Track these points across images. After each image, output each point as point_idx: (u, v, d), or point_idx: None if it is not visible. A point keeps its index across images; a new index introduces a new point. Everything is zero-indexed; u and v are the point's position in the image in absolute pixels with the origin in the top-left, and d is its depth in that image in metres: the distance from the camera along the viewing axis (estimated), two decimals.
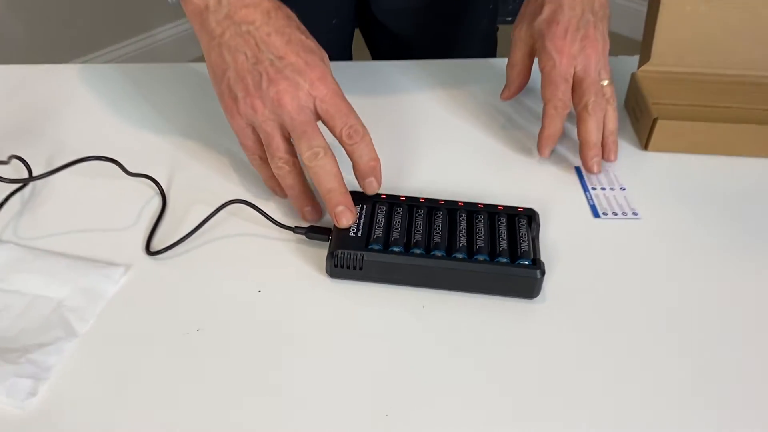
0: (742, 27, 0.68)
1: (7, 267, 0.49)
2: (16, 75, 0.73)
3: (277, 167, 0.52)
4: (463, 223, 0.52)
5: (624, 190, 0.60)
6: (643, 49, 0.70)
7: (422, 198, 0.54)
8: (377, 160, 0.53)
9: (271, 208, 0.56)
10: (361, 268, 0.49)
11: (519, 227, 0.51)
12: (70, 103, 0.69)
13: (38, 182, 0.57)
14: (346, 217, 0.50)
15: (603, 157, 0.62)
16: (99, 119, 0.66)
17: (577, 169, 0.62)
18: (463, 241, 0.50)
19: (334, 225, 0.51)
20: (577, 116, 0.61)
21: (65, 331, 0.45)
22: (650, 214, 0.58)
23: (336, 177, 0.50)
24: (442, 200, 0.54)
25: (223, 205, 0.53)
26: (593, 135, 0.60)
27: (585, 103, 0.60)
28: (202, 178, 0.59)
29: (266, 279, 0.50)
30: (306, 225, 0.53)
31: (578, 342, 0.47)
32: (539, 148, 0.62)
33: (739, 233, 0.56)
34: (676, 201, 0.59)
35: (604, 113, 0.61)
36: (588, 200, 0.59)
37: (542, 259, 0.50)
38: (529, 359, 0.46)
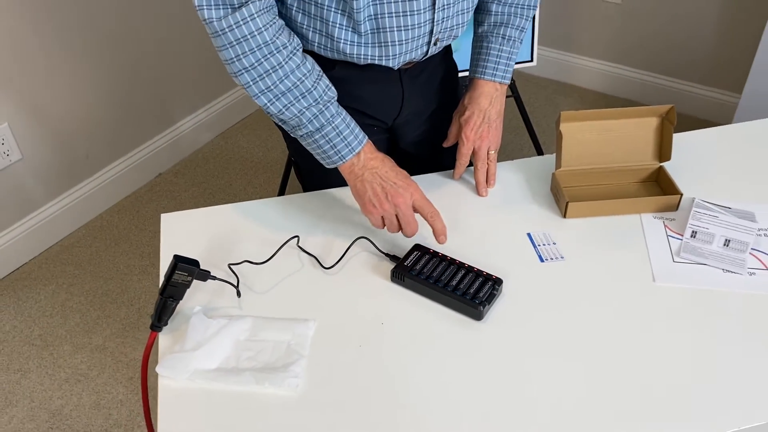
0: (615, 141, 1.20)
1: (255, 327, 0.98)
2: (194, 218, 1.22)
3: (391, 230, 1.07)
4: (455, 273, 1.02)
5: (555, 244, 1.11)
6: (557, 157, 1.21)
7: (449, 257, 1.06)
8: (445, 227, 1.07)
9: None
10: (403, 281, 1.02)
11: (485, 284, 1.01)
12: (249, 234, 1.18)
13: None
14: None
15: (488, 185, 1.22)
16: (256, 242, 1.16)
17: (529, 236, 1.14)
18: (454, 283, 1.01)
19: (402, 258, 1.05)
20: (473, 169, 1.22)
21: (299, 355, 0.94)
22: (571, 256, 1.09)
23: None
24: (458, 261, 1.05)
25: (356, 239, 1.11)
26: (480, 178, 1.21)
27: (476, 165, 1.22)
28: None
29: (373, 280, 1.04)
30: (392, 254, 1.08)
31: (518, 351, 0.98)
32: (453, 174, 1.25)
33: (621, 265, 1.07)
34: (586, 247, 1.11)
35: (487, 167, 1.21)
36: (536, 252, 1.10)
37: (507, 292, 1.00)
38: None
